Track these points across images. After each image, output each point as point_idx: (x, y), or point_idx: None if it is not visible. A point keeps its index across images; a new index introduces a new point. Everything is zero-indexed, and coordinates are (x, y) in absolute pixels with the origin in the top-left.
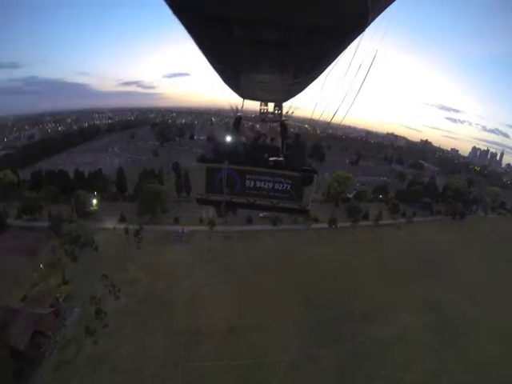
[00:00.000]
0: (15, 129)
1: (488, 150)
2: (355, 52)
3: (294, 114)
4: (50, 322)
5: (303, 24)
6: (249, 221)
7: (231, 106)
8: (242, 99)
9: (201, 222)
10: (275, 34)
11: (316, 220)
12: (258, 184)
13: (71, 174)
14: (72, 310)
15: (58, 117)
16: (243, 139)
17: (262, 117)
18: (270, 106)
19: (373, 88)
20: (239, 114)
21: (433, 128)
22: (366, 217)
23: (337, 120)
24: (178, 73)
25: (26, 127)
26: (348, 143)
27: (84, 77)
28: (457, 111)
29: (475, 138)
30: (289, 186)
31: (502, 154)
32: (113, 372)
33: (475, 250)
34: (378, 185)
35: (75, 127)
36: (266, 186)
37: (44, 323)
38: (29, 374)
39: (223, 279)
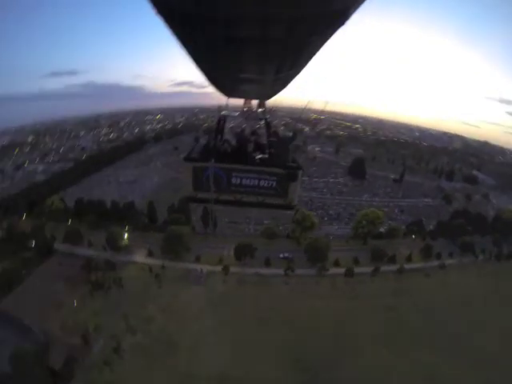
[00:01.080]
0: (73, 134)
1: None
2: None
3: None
4: (80, 350)
5: (282, 16)
6: (267, 263)
7: (218, 107)
8: (226, 98)
9: (220, 261)
10: (255, 29)
11: (336, 263)
12: (244, 181)
13: (109, 203)
14: (99, 340)
15: (113, 119)
16: (228, 138)
17: (246, 115)
18: (254, 104)
19: (428, 84)
20: (224, 112)
21: (493, 124)
22: (392, 260)
23: (386, 116)
24: None
25: (82, 133)
26: (398, 148)
27: (139, 79)
28: None
29: None
30: (274, 183)
31: None
32: None
33: None
34: (416, 215)
35: (126, 133)
36: (251, 183)
37: (75, 350)
38: None
39: (227, 328)
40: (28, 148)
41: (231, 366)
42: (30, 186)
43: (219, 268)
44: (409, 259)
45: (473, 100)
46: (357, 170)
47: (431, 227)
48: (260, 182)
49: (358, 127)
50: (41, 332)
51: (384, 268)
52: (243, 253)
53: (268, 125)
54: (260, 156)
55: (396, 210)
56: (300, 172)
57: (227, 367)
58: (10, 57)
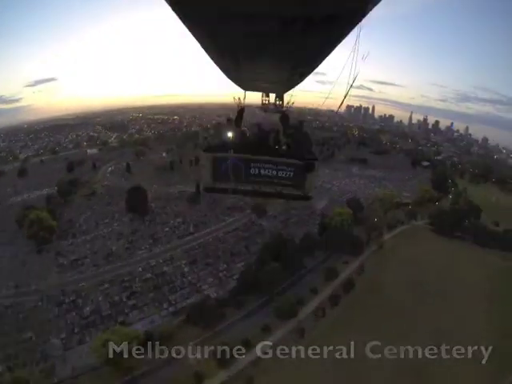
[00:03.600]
0: None
1: (361, 106)
2: (357, 39)
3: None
4: None
5: (300, 15)
6: None
7: (234, 98)
8: (243, 91)
9: None
10: (274, 26)
11: None
12: (262, 172)
13: None
14: None
15: None
16: (246, 129)
17: (264, 108)
18: (272, 97)
19: None
20: (242, 105)
21: (308, 92)
22: None
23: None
24: (42, 79)
25: None
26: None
27: None
28: (323, 74)
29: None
30: (291, 174)
31: (373, 108)
32: None
33: None
34: (213, 262)
35: None
36: (269, 173)
37: None
38: None
39: None
40: None
41: None
42: None
43: None
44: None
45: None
46: (136, 202)
47: (235, 279)
48: (278, 173)
49: (175, 119)
50: None
51: None
52: None
53: (286, 117)
54: (278, 147)
55: (181, 271)
56: (317, 163)
57: None
58: None
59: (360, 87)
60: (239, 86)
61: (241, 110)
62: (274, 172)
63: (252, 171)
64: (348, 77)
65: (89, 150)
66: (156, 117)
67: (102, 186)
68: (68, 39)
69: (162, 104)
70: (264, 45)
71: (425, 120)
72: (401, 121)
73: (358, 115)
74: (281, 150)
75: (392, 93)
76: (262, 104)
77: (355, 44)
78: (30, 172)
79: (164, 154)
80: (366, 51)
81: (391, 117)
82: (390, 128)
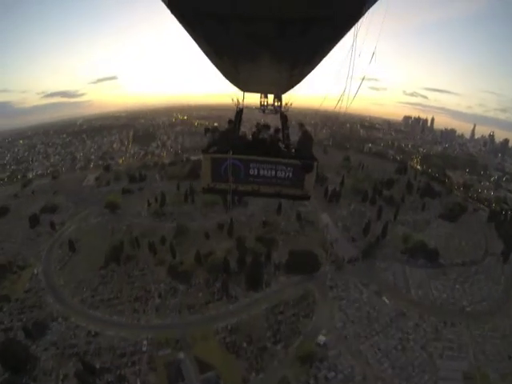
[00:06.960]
0: None
1: (419, 118)
2: (354, 40)
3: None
4: None
5: (298, 17)
6: None
7: (232, 100)
8: (242, 92)
9: None
10: (272, 28)
11: None
12: (261, 172)
13: None
14: None
15: None
16: (245, 130)
17: (263, 109)
18: (270, 98)
19: None
20: (240, 106)
21: (360, 98)
22: None
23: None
24: (104, 77)
25: None
26: None
27: (5, 94)
28: (376, 80)
29: (399, 102)
30: (291, 174)
31: (432, 120)
32: None
33: None
34: None
35: None
36: (269, 173)
37: None
38: None
39: None
40: None
41: None
42: None
43: None
44: None
45: (341, 80)
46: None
47: None
48: (277, 173)
49: (215, 127)
50: None
51: None
52: None
53: (284, 118)
54: (276, 147)
55: None
56: (316, 163)
57: None
58: None
59: (413, 94)
60: (237, 87)
61: (239, 111)
62: (273, 172)
63: (251, 171)
64: (356, 78)
65: (89, 176)
66: (197, 122)
67: (29, 279)
68: (130, 38)
69: (211, 104)
70: (262, 46)
71: (491, 137)
72: (462, 134)
73: (415, 127)
74: (279, 150)
75: (447, 101)
76: (261, 105)
77: (353, 44)
78: (12, 209)
79: (145, 208)
80: (370, 52)
81: (453, 131)
82: (453, 148)
